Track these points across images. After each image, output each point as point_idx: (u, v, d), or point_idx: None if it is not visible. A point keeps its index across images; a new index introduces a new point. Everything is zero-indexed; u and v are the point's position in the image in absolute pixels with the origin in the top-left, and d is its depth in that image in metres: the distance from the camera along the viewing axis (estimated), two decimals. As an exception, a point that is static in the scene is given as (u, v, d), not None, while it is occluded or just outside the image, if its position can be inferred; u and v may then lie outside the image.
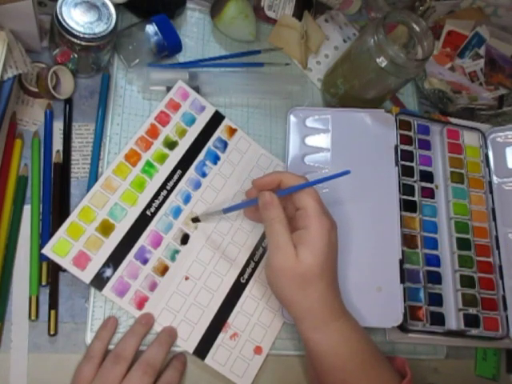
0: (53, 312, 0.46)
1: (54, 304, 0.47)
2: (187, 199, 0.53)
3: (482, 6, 0.71)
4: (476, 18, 0.71)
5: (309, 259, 0.44)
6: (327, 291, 0.45)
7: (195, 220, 0.52)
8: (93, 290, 0.48)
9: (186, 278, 0.51)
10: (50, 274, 0.47)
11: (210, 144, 0.56)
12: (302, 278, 0.44)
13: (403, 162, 0.59)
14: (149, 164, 0.52)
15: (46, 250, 0.46)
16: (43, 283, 0.47)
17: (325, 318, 0.45)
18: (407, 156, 0.59)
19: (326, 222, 0.45)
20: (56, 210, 0.49)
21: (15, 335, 0.45)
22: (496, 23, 0.72)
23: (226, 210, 0.49)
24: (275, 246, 0.45)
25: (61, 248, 0.46)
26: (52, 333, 0.46)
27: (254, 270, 0.53)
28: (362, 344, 0.46)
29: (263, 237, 0.55)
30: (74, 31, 0.48)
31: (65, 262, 0.46)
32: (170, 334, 0.48)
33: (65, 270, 0.47)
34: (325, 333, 0.45)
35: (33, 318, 0.46)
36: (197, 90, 0.57)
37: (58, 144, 0.52)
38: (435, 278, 0.55)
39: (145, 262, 0.49)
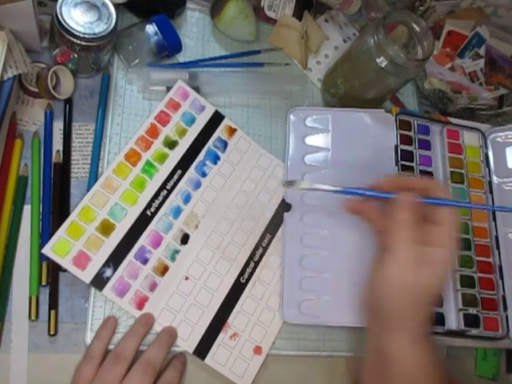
0: (53, 312, 0.46)
1: (53, 304, 0.47)
2: (187, 199, 0.53)
3: (482, 5, 0.71)
4: (476, 18, 0.71)
5: (432, 281, 0.41)
6: (411, 307, 0.42)
7: (289, 183, 0.48)
8: (93, 289, 0.48)
9: (186, 278, 0.51)
10: (50, 274, 0.47)
11: (209, 144, 0.56)
12: (418, 298, 0.42)
13: (403, 162, 0.59)
14: (149, 164, 0.52)
15: (46, 250, 0.46)
16: (43, 283, 0.47)
17: (419, 335, 0.42)
18: (407, 156, 0.59)
19: (454, 247, 0.42)
20: (56, 210, 0.49)
21: (15, 335, 0.45)
22: (496, 23, 0.72)
23: (348, 192, 0.46)
24: (395, 256, 0.42)
25: (61, 248, 0.46)
26: (52, 333, 0.46)
27: (253, 270, 0.53)
28: (438, 369, 0.43)
29: (263, 237, 0.55)
30: (74, 31, 0.48)
31: (65, 262, 0.46)
32: (170, 334, 0.48)
33: (65, 270, 0.47)
34: (415, 349, 0.42)
35: (33, 318, 0.46)
36: (197, 90, 0.57)
37: (58, 144, 0.52)
38: (435, 278, 0.55)
39: (145, 261, 0.49)
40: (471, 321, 0.54)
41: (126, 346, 0.45)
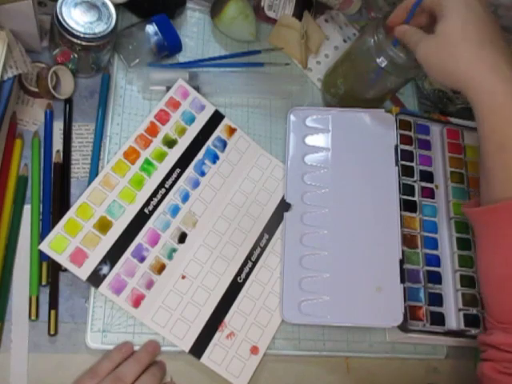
0: (53, 312, 0.46)
1: (53, 304, 0.47)
2: (185, 198, 0.53)
3: (482, 5, 0.71)
4: (476, 17, 0.71)
5: (443, 30, 0.45)
6: (479, 50, 0.45)
7: None
8: (93, 289, 0.48)
9: (183, 277, 0.51)
10: (50, 274, 0.47)
11: (209, 143, 0.56)
12: (444, 49, 0.45)
13: (403, 162, 0.59)
14: (148, 162, 0.52)
15: (43, 246, 0.46)
16: (43, 283, 0.47)
17: (484, 76, 0.44)
18: (407, 156, 0.59)
19: None
20: (56, 209, 0.49)
21: (15, 335, 0.45)
22: (496, 23, 0.72)
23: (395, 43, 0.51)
24: (415, 45, 0.48)
25: (58, 244, 0.46)
26: (52, 333, 0.46)
27: (251, 269, 0.53)
28: None
29: (261, 237, 0.55)
30: (74, 31, 0.48)
31: (61, 259, 0.46)
32: (151, 352, 0.47)
33: (65, 270, 0.47)
34: (487, 90, 0.44)
35: (33, 318, 0.46)
36: (197, 89, 0.57)
37: (58, 144, 0.52)
38: (435, 278, 0.55)
39: (142, 259, 0.49)
40: (471, 321, 0.54)
41: (128, 371, 0.44)
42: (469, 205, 0.51)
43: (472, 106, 0.46)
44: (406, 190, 0.58)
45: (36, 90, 0.52)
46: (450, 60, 0.46)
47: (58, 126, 0.53)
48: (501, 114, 0.44)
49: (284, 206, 0.56)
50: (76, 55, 0.51)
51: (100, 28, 0.49)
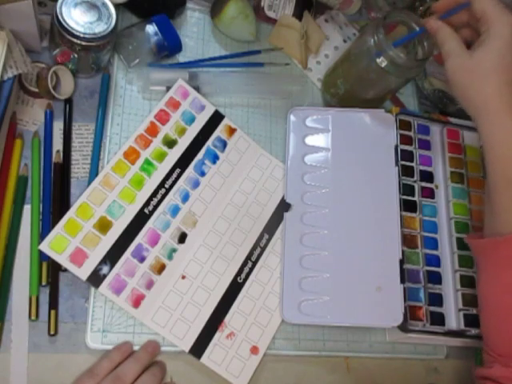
0: (53, 312, 0.46)
1: (54, 304, 0.47)
2: (185, 198, 0.53)
3: (482, 5, 0.71)
4: (476, 17, 0.71)
5: (479, 54, 0.44)
6: (505, 87, 0.45)
7: None
8: (93, 289, 0.48)
9: (183, 277, 0.51)
10: (50, 274, 0.47)
11: (209, 143, 0.56)
12: (472, 74, 0.45)
13: (403, 162, 0.59)
14: (148, 162, 0.52)
15: (43, 246, 0.46)
16: (43, 283, 0.47)
17: (499, 113, 0.45)
18: (407, 156, 0.59)
19: (507, 19, 0.45)
20: (56, 210, 0.49)
21: (15, 335, 0.45)
22: (496, 23, 0.72)
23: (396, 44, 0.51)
24: (447, 56, 0.47)
25: (58, 244, 0.46)
26: (52, 333, 0.46)
27: (251, 269, 0.53)
28: None
29: (261, 237, 0.55)
30: (74, 31, 0.48)
31: (61, 259, 0.46)
32: (151, 352, 0.47)
33: (65, 270, 0.47)
34: (498, 126, 0.45)
35: (33, 318, 0.46)
36: (197, 89, 0.57)
37: (58, 144, 0.52)
38: (435, 278, 0.55)
39: (142, 259, 0.49)
40: (471, 321, 0.54)
41: (128, 371, 0.44)
42: (473, 236, 0.51)
43: (480, 134, 0.47)
44: (406, 190, 0.58)
45: (36, 90, 0.52)
46: (473, 86, 0.46)
47: (57, 126, 0.53)
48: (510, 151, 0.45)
49: (284, 206, 0.56)
50: (76, 55, 0.51)
51: (100, 28, 0.49)
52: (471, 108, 0.47)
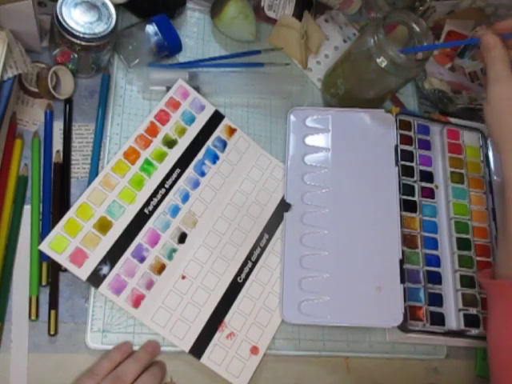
0: (53, 312, 0.46)
1: (53, 304, 0.47)
2: (185, 198, 0.53)
3: (482, 5, 0.71)
4: (476, 18, 0.71)
5: None
6: None
7: None
8: (93, 289, 0.48)
9: (183, 277, 0.51)
10: (50, 274, 0.47)
11: (209, 143, 0.56)
12: None
13: (403, 162, 0.59)
14: (147, 162, 0.52)
15: (43, 246, 0.46)
16: (43, 283, 0.47)
17: None
18: (407, 156, 0.59)
19: None
20: (56, 210, 0.49)
21: (15, 335, 0.45)
22: (496, 23, 0.72)
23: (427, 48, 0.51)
24: (494, 80, 0.47)
25: (58, 244, 0.46)
26: (52, 333, 0.46)
27: (251, 269, 0.53)
28: None
29: (261, 237, 0.55)
30: (74, 31, 0.48)
31: (61, 259, 0.46)
32: (150, 352, 0.47)
33: (65, 270, 0.47)
34: None
35: (33, 318, 0.46)
36: (197, 89, 0.57)
37: (58, 144, 0.52)
38: (435, 278, 0.55)
39: (142, 260, 0.49)
40: (471, 321, 0.54)
41: (128, 371, 0.44)
42: (484, 274, 0.51)
43: (503, 167, 0.48)
44: (406, 190, 0.58)
45: (36, 90, 0.52)
46: (509, 116, 0.46)
47: (58, 126, 0.53)
48: None
49: (284, 206, 0.56)
50: (76, 55, 0.51)
51: (100, 28, 0.49)
52: (502, 139, 0.47)
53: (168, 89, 0.56)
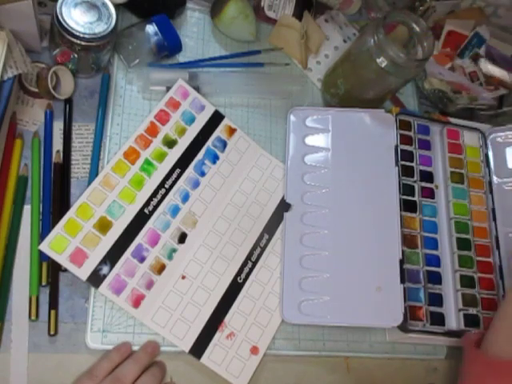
0: (53, 312, 0.46)
1: (53, 304, 0.47)
2: (185, 198, 0.53)
3: (482, 6, 0.71)
4: (476, 18, 0.71)
5: None
6: None
7: None
8: (93, 290, 0.48)
9: (183, 277, 0.51)
10: (50, 274, 0.47)
11: (209, 143, 0.56)
12: None
13: (403, 162, 0.59)
14: (148, 162, 0.52)
15: (43, 247, 0.46)
16: (43, 283, 0.47)
17: None
18: (407, 156, 0.59)
19: None
20: (56, 210, 0.49)
21: (15, 335, 0.45)
22: (496, 23, 0.72)
23: None
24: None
25: (58, 244, 0.46)
26: (52, 333, 0.46)
27: (251, 269, 0.53)
28: None
29: (261, 237, 0.55)
30: (74, 31, 0.48)
31: (61, 259, 0.46)
32: (150, 353, 0.47)
33: (65, 270, 0.47)
34: None
35: (33, 318, 0.46)
36: (197, 89, 0.57)
37: (58, 144, 0.52)
38: (435, 278, 0.55)
39: (142, 260, 0.49)
40: (471, 321, 0.54)
41: (128, 372, 0.44)
42: (470, 340, 0.50)
43: None
44: (406, 190, 0.58)
45: (36, 90, 0.52)
46: None
47: (58, 126, 0.53)
48: None
49: (284, 206, 0.56)
50: (76, 55, 0.51)
51: (100, 28, 0.49)
52: None
53: (168, 89, 0.56)
